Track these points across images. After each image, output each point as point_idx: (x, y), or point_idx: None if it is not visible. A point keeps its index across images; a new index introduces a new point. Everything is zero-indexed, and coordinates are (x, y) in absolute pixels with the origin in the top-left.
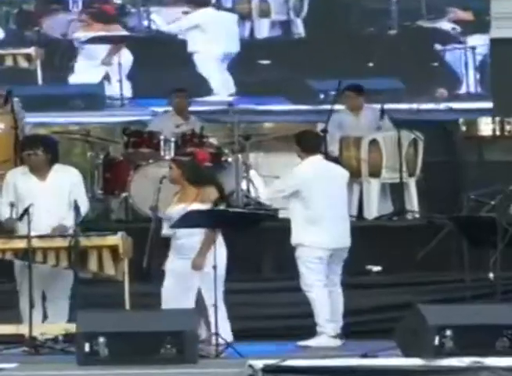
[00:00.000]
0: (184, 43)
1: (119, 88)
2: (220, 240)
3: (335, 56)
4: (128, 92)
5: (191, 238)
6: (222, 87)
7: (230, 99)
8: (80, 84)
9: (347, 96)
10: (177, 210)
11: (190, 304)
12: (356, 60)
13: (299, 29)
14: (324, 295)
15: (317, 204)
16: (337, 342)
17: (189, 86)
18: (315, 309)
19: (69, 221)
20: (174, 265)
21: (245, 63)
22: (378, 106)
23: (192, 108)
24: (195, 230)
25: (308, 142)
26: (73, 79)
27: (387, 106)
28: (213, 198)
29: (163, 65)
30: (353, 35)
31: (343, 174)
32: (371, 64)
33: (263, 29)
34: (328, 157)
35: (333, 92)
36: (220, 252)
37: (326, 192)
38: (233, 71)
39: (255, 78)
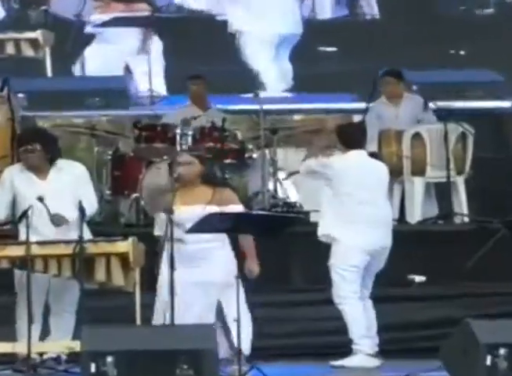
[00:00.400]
0: (225, 24)
1: (148, 82)
2: (229, 245)
3: (416, 42)
4: (158, 87)
5: (205, 244)
6: (277, 80)
7: (285, 95)
8: (98, 78)
9: (387, 83)
10: (191, 212)
11: (205, 319)
12: (443, 47)
13: (372, 8)
14: (359, 309)
15: (354, 201)
16: (375, 362)
17: (234, 79)
18: (348, 324)
19: (72, 219)
20: (181, 275)
21: (303, 50)
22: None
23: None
24: (209, 236)
25: (351, 136)
26: (89, 70)
27: (481, 103)
28: (232, 200)
29: (199, 53)
30: (439, 16)
31: (386, 172)
32: (462, 52)
33: (325, 8)
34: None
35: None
36: (234, 260)
37: (364, 187)
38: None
39: (315, 70)
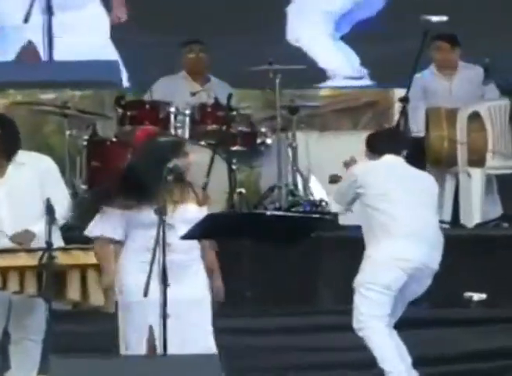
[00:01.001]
0: None
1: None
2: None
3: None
4: None
5: (190, 253)
6: (342, 64)
7: (355, 83)
8: (74, 64)
9: (438, 49)
10: (185, 213)
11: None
12: None
13: None
14: (384, 333)
15: (389, 210)
16: None
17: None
18: (375, 351)
19: (39, 228)
20: (173, 293)
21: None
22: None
23: None
24: (191, 244)
25: (380, 143)
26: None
27: None
28: (209, 201)
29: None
30: None
31: (432, 181)
32: None
33: None
34: (409, 138)
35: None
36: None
37: (402, 196)
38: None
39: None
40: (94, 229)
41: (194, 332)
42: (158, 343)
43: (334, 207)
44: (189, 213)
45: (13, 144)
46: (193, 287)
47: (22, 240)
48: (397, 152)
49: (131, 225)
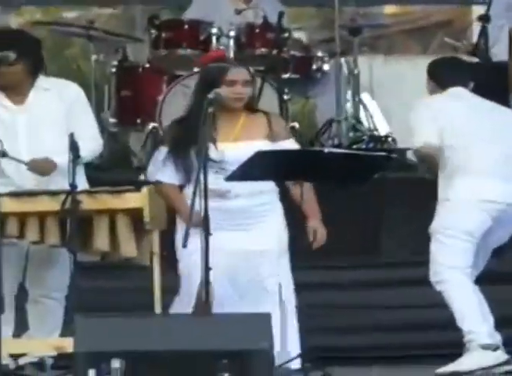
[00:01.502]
0: None
1: None
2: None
3: None
4: None
5: (257, 198)
6: None
7: None
8: None
9: None
10: (242, 151)
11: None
12: None
13: None
14: (466, 288)
15: (464, 147)
16: (500, 357)
17: None
18: (454, 308)
19: (62, 160)
20: (218, 242)
21: None
22: None
23: None
24: (259, 187)
25: (446, 74)
26: None
27: None
28: (286, 134)
29: None
30: None
31: (507, 112)
32: None
33: None
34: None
35: None
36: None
37: (477, 130)
38: None
39: None
40: (157, 173)
41: (254, 287)
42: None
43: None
44: (249, 152)
45: (35, 65)
46: (259, 237)
47: (41, 168)
48: (464, 84)
49: (188, 170)
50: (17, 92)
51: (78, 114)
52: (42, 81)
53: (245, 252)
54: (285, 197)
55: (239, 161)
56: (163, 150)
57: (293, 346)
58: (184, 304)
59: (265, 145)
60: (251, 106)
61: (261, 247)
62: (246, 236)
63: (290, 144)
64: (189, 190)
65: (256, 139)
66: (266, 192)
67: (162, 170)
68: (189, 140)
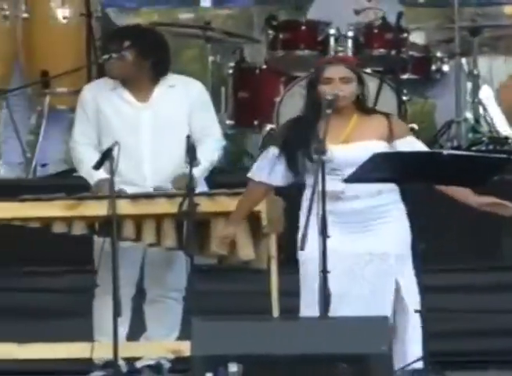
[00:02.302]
0: None
1: None
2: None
3: None
4: None
5: (376, 199)
6: None
7: None
8: None
9: None
10: (357, 151)
11: (375, 308)
12: None
13: None
14: None
15: None
16: None
17: None
18: None
19: (199, 171)
20: (338, 245)
21: None
22: None
23: None
24: (379, 188)
25: None
26: None
27: None
28: (408, 131)
29: None
30: None
31: None
32: None
33: None
34: None
35: None
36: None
37: None
38: None
39: None
40: (258, 172)
41: (369, 289)
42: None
43: None
44: (365, 153)
45: (162, 64)
46: (378, 239)
47: (184, 184)
48: None
49: (298, 171)
50: (141, 88)
51: (201, 112)
52: (168, 77)
53: (361, 255)
54: (405, 198)
55: (349, 163)
56: (272, 151)
57: (415, 348)
58: (308, 302)
59: (378, 146)
60: (364, 107)
61: (379, 250)
62: (364, 239)
63: (411, 141)
64: (307, 192)
65: (368, 140)
66: (386, 192)
67: (264, 169)
68: (300, 141)
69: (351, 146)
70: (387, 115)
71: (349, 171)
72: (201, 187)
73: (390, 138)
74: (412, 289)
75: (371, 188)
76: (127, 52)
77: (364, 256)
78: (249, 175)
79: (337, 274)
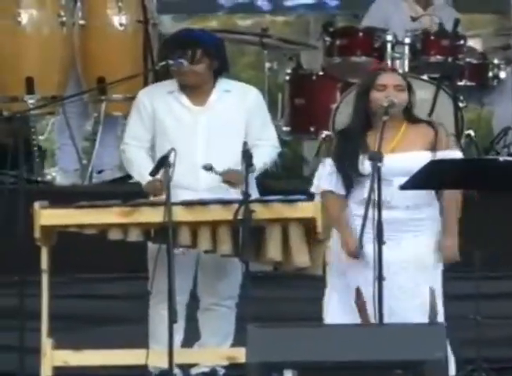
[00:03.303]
0: None
1: None
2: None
3: None
4: None
5: (412, 212)
6: None
7: None
8: None
9: None
10: (393, 160)
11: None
12: None
13: None
14: None
15: None
16: None
17: None
18: None
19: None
20: (386, 253)
21: None
22: None
23: None
24: (422, 200)
25: None
26: None
27: None
28: (451, 145)
29: None
30: None
31: None
32: None
33: None
34: None
35: None
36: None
37: None
38: None
39: None
40: (324, 184)
41: (399, 298)
42: (370, 308)
43: None
44: (413, 162)
45: (219, 65)
46: (408, 249)
47: (234, 179)
48: None
49: (351, 180)
50: (198, 92)
51: (258, 119)
52: (223, 82)
53: (389, 263)
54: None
55: (396, 172)
56: (327, 162)
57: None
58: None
59: (424, 155)
60: (411, 116)
61: (405, 259)
62: (394, 248)
63: (454, 154)
64: (352, 200)
65: (415, 149)
66: (423, 206)
67: (329, 180)
68: (351, 150)
69: (398, 156)
70: (433, 125)
71: (396, 180)
72: (252, 192)
73: (434, 148)
74: (438, 299)
75: (410, 201)
76: (201, 60)
77: (397, 264)
78: (313, 189)
79: (370, 280)
